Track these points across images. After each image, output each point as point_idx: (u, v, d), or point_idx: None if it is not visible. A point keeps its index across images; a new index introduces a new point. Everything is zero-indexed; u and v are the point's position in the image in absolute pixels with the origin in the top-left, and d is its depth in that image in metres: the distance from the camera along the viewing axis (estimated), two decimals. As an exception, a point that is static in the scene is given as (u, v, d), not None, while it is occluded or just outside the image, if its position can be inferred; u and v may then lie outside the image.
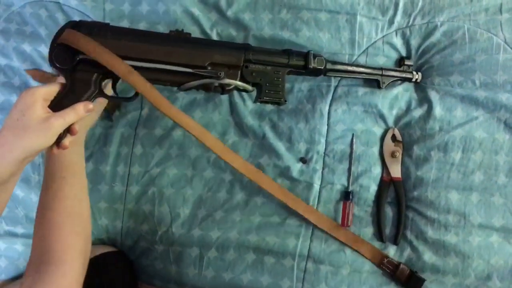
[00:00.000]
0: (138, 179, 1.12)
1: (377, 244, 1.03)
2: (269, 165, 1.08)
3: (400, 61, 1.06)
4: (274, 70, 0.95)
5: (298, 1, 1.07)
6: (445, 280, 0.99)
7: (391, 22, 1.06)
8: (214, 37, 1.11)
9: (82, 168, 0.95)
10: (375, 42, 1.07)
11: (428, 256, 1.00)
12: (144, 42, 0.87)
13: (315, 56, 0.96)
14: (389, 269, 1.01)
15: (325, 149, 1.07)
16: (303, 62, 0.96)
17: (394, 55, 1.07)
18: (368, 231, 1.04)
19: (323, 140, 1.07)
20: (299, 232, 1.05)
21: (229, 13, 1.10)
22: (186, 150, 1.11)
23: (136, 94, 0.89)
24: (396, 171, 1.04)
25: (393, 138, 1.05)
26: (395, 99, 1.06)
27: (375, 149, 1.06)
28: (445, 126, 1.02)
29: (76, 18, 1.14)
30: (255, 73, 0.94)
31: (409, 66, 1.04)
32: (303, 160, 1.07)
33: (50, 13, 1.15)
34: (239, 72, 0.93)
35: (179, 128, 1.11)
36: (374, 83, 1.05)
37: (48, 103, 0.81)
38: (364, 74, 1.03)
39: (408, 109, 1.05)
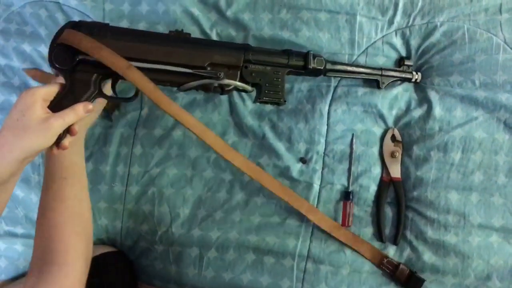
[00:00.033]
0: (137, 179, 1.12)
1: (376, 244, 1.03)
2: (268, 165, 1.08)
3: (399, 61, 1.06)
4: (274, 70, 0.95)
5: (298, 1, 1.07)
6: (444, 280, 0.99)
7: (390, 22, 1.06)
8: (214, 37, 1.11)
9: (82, 168, 0.95)
10: (375, 42, 1.07)
11: (428, 256, 1.00)
12: (143, 43, 0.87)
13: (314, 56, 0.96)
14: (388, 269, 1.01)
15: (325, 149, 1.07)
16: (303, 63, 0.96)
17: (394, 55, 1.07)
18: (367, 231, 1.04)
19: (322, 140, 1.07)
20: (299, 232, 1.05)
21: (229, 13, 1.10)
22: (186, 150, 1.11)
23: (136, 94, 0.89)
24: (395, 171, 1.04)
25: (393, 138, 1.05)
26: (395, 99, 1.06)
27: (375, 149, 1.06)
28: (445, 126, 1.02)
29: (76, 18, 1.14)
30: (254, 74, 0.94)
31: (408, 66, 1.04)
32: (303, 160, 1.07)
33: (50, 13, 1.15)
34: (239, 73, 0.93)
35: (179, 128, 1.11)
36: (373, 83, 1.05)
37: (48, 103, 0.81)
38: (364, 74, 1.03)
39: (407, 109, 1.05)
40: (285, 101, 0.96)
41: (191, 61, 0.89)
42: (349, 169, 1.06)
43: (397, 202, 1.03)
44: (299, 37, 1.08)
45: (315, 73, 0.98)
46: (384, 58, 1.07)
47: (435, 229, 1.00)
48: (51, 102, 0.81)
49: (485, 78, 1.01)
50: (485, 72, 1.01)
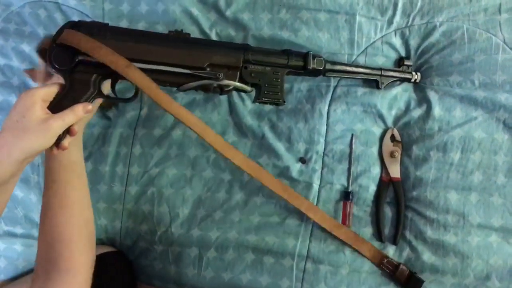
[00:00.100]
0: (137, 179, 1.12)
1: (376, 244, 1.03)
2: (268, 165, 1.08)
3: (399, 61, 1.06)
4: (273, 70, 0.95)
5: (297, 1, 1.08)
6: (444, 280, 1.00)
7: (390, 22, 1.06)
8: (213, 37, 1.11)
9: (83, 169, 0.95)
10: (374, 42, 1.07)
11: (427, 256, 1.00)
12: (143, 43, 0.87)
13: (314, 56, 0.96)
14: (388, 269, 1.01)
15: (324, 149, 1.07)
16: (302, 63, 0.96)
17: (393, 55, 1.07)
18: (367, 231, 1.04)
19: (322, 140, 1.07)
20: (298, 232, 1.05)
21: (228, 13, 1.10)
22: (186, 150, 1.11)
23: (135, 94, 0.89)
24: (395, 171, 1.04)
25: (392, 138, 1.05)
26: (394, 99, 1.06)
27: (374, 149, 1.06)
28: (444, 126, 1.02)
29: (75, 18, 1.14)
30: (254, 74, 0.94)
31: (408, 66, 1.04)
32: (302, 160, 1.07)
33: (49, 13, 1.15)
34: (238, 73, 0.93)
35: (179, 128, 1.11)
36: (373, 83, 1.05)
37: (48, 104, 0.81)
38: (363, 74, 1.03)
39: (407, 109, 1.06)
40: (284, 102, 0.96)
41: (191, 61, 0.89)
42: (349, 169, 1.06)
43: (397, 202, 1.03)
44: (298, 37, 1.08)
45: (315, 73, 0.98)
46: (384, 58, 1.07)
47: (434, 229, 1.00)
48: (51, 102, 0.81)
49: (485, 78, 1.01)
50: (485, 72, 1.01)
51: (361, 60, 1.07)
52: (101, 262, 0.95)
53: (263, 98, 0.94)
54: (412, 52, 1.07)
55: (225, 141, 0.97)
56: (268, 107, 1.09)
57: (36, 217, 1.13)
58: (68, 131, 0.83)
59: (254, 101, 0.98)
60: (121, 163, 1.13)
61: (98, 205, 1.12)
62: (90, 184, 1.08)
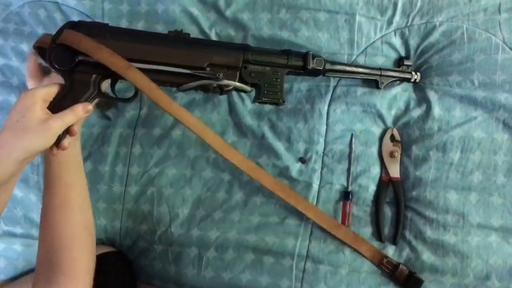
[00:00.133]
0: (137, 179, 1.12)
1: (376, 244, 1.03)
2: (268, 165, 1.08)
3: (399, 61, 1.06)
4: (273, 70, 0.95)
5: (297, 1, 1.08)
6: (443, 280, 1.00)
7: (390, 22, 1.07)
8: (213, 36, 1.11)
9: (81, 169, 0.95)
10: (374, 42, 1.07)
11: (427, 256, 1.00)
12: (143, 43, 0.87)
13: (314, 56, 0.97)
14: (388, 269, 1.01)
15: (324, 149, 1.07)
16: (302, 63, 0.96)
17: (393, 55, 1.07)
18: (367, 231, 1.04)
19: (322, 140, 1.07)
20: (298, 232, 1.05)
21: (228, 13, 1.10)
22: (185, 150, 1.11)
23: (135, 95, 0.89)
24: (395, 171, 1.04)
25: (392, 138, 1.05)
26: (394, 99, 1.06)
27: (374, 149, 1.06)
28: (444, 126, 1.02)
29: (75, 17, 1.14)
30: (254, 74, 0.94)
31: (408, 66, 1.04)
32: (302, 160, 1.07)
33: (49, 13, 1.15)
34: (238, 73, 0.93)
35: (178, 128, 1.11)
36: (373, 83, 1.05)
37: (48, 104, 0.81)
38: (363, 74, 1.03)
39: (406, 109, 1.06)
40: (284, 101, 0.96)
41: (190, 61, 0.89)
42: (348, 169, 1.06)
43: (396, 202, 1.03)
44: (298, 37, 1.08)
45: (314, 73, 0.98)
46: (383, 58, 1.07)
47: (434, 229, 1.00)
48: (51, 103, 0.81)
49: (484, 78, 1.01)
50: (484, 72, 1.01)
51: (361, 60, 1.07)
52: (100, 262, 0.95)
53: (263, 98, 0.94)
54: (412, 52, 1.07)
55: (225, 141, 0.97)
56: (267, 107, 1.09)
57: (36, 217, 1.13)
58: (68, 131, 0.83)
59: (253, 101, 0.98)
60: (121, 163, 1.12)
61: (97, 205, 1.12)
62: (89, 184, 1.09)
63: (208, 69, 0.90)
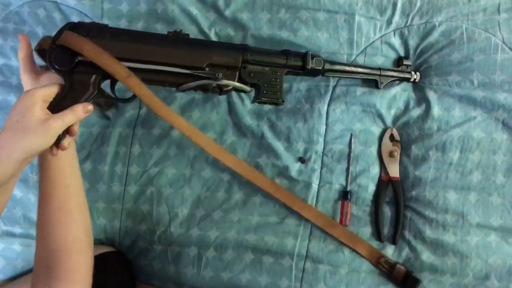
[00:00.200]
0: (136, 179, 1.12)
1: (375, 243, 1.04)
2: (267, 164, 1.08)
3: (398, 61, 1.06)
4: (272, 70, 0.95)
5: (297, 1, 1.08)
6: (443, 280, 1.00)
7: (389, 22, 1.07)
8: (212, 36, 1.11)
9: (77, 168, 0.94)
10: (374, 42, 1.07)
11: (426, 255, 1.00)
12: (142, 43, 0.87)
13: (313, 56, 0.96)
14: (385, 268, 1.01)
15: (324, 148, 1.07)
16: (301, 63, 0.96)
17: (393, 55, 1.07)
18: (366, 231, 1.05)
19: (321, 140, 1.07)
20: (298, 231, 1.05)
21: (227, 12, 1.10)
22: (185, 149, 1.11)
23: (135, 95, 0.89)
24: (394, 171, 1.04)
25: (391, 137, 1.05)
26: (393, 99, 1.06)
27: (373, 149, 1.06)
28: (443, 126, 1.02)
29: (74, 17, 1.14)
30: (253, 74, 0.94)
31: (407, 66, 1.04)
32: (301, 160, 1.07)
33: (48, 12, 1.15)
34: (237, 73, 0.93)
35: (178, 128, 1.11)
36: (372, 83, 1.05)
37: (47, 104, 0.81)
38: (363, 74, 1.03)
39: (406, 109, 1.06)
40: (283, 101, 0.96)
41: (190, 62, 0.89)
42: (348, 169, 1.06)
43: (396, 202, 1.03)
44: (297, 36, 1.08)
45: (314, 73, 0.98)
46: (383, 58, 1.07)
47: (433, 229, 1.00)
48: (51, 103, 0.81)
49: (484, 78, 1.01)
50: (484, 71, 1.01)
51: (360, 60, 1.07)
52: (100, 262, 0.95)
53: (262, 98, 0.94)
54: (411, 52, 1.07)
55: (216, 143, 1.00)
56: (267, 106, 1.09)
57: (35, 217, 1.12)
58: (68, 131, 0.83)
59: (253, 101, 0.98)
60: (120, 163, 1.12)
61: (97, 205, 1.12)
62: (89, 184, 1.09)
63: (207, 69, 0.90)
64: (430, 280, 1.00)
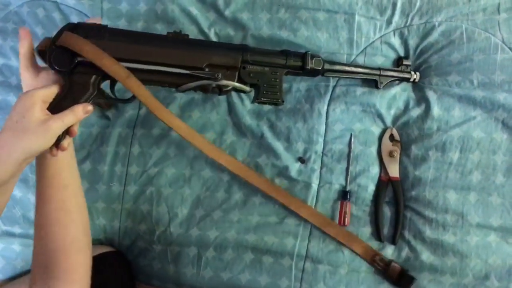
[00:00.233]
0: (136, 179, 1.12)
1: (375, 243, 1.04)
2: (267, 164, 1.08)
3: (398, 61, 1.06)
4: (272, 71, 0.95)
5: (296, 1, 1.08)
6: (443, 280, 1.00)
7: (389, 22, 1.07)
8: (212, 36, 1.11)
9: (76, 168, 0.94)
10: (373, 42, 1.07)
11: (426, 255, 1.00)
12: (142, 44, 0.87)
13: (312, 56, 0.96)
14: (380, 266, 1.01)
15: (323, 148, 1.07)
16: (301, 63, 0.96)
17: (392, 55, 1.07)
18: (366, 231, 1.05)
19: (321, 140, 1.07)
20: (297, 231, 1.05)
21: (227, 12, 1.10)
22: (184, 149, 1.11)
23: (134, 95, 0.89)
24: (394, 171, 1.04)
25: (391, 137, 1.05)
26: (393, 99, 1.06)
27: (373, 149, 1.06)
28: (443, 125, 1.02)
29: (74, 17, 1.14)
30: (252, 74, 0.94)
31: (407, 66, 1.04)
32: (301, 160, 1.07)
33: (48, 12, 1.15)
34: (237, 73, 0.93)
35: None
36: (372, 83, 1.05)
37: (47, 105, 0.81)
38: (362, 74, 1.03)
39: (406, 109, 1.06)
40: (283, 102, 0.96)
41: (189, 62, 0.89)
42: (347, 169, 1.06)
43: (396, 202, 1.03)
44: (297, 36, 1.08)
45: (313, 73, 0.98)
46: (383, 58, 1.07)
47: (433, 229, 1.00)
48: (50, 103, 0.81)
49: (483, 78, 1.01)
50: (483, 71, 1.01)
51: (360, 60, 1.07)
52: (99, 262, 0.95)
53: (262, 98, 0.94)
54: (411, 52, 1.07)
55: (212, 144, 1.01)
56: (267, 107, 1.09)
57: (35, 217, 1.13)
58: (67, 132, 0.83)
59: (253, 101, 0.98)
60: (120, 163, 1.12)
61: (96, 205, 1.12)
62: (88, 184, 1.09)
63: (207, 69, 0.90)
64: (430, 280, 1.00)
